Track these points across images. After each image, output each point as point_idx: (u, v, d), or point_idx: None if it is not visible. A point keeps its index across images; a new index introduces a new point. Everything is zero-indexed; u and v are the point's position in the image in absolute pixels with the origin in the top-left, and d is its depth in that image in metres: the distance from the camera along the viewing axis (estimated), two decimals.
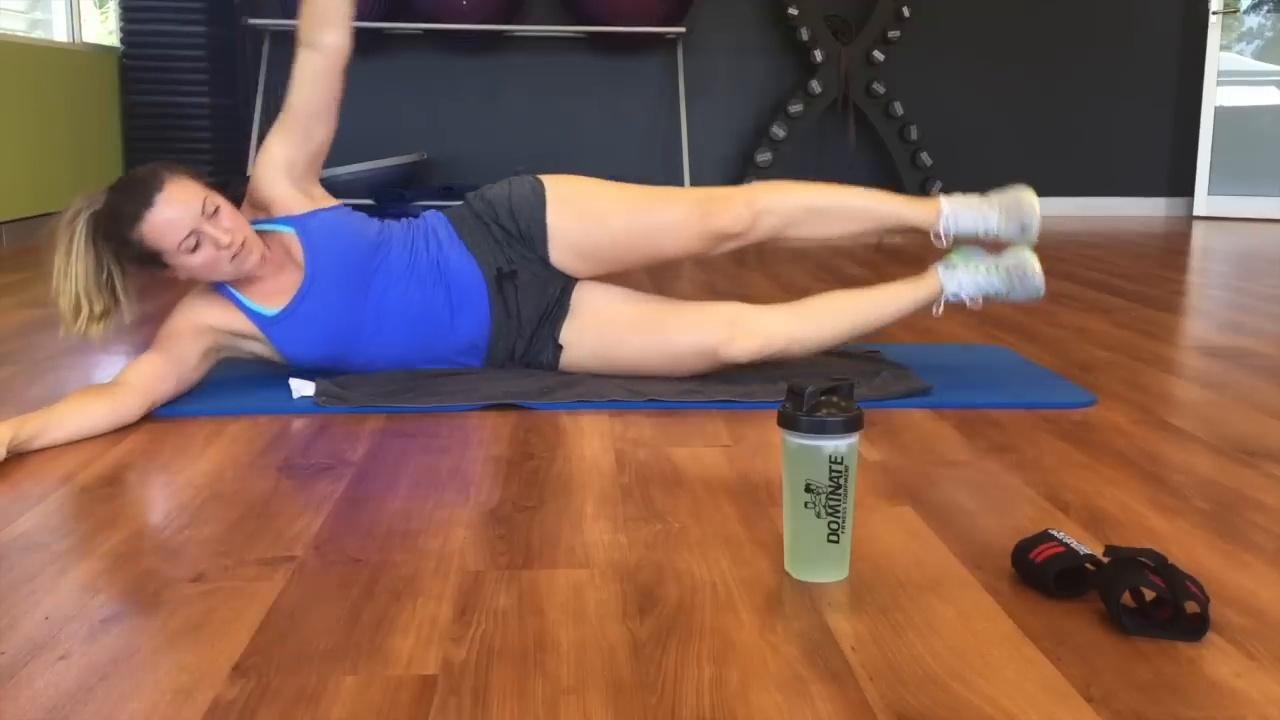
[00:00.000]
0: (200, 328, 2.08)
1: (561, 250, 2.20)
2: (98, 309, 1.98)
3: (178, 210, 1.96)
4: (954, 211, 2.21)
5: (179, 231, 1.96)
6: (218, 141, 5.58)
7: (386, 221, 2.26)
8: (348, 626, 1.19)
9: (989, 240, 2.22)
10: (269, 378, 2.21)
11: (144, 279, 2.08)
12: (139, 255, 2.00)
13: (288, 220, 2.15)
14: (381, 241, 2.18)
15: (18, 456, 1.75)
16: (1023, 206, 2.19)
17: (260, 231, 2.13)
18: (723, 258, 4.45)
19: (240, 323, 2.11)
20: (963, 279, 2.21)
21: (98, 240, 1.97)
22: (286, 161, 2.16)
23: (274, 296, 2.11)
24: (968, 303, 2.23)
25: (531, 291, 2.20)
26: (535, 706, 1.03)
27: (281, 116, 2.18)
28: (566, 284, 2.24)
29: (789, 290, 3.54)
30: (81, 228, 1.97)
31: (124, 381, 1.95)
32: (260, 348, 2.15)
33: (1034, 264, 2.19)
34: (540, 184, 2.23)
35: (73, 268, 1.96)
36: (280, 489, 1.63)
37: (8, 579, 1.31)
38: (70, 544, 1.42)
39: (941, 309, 2.24)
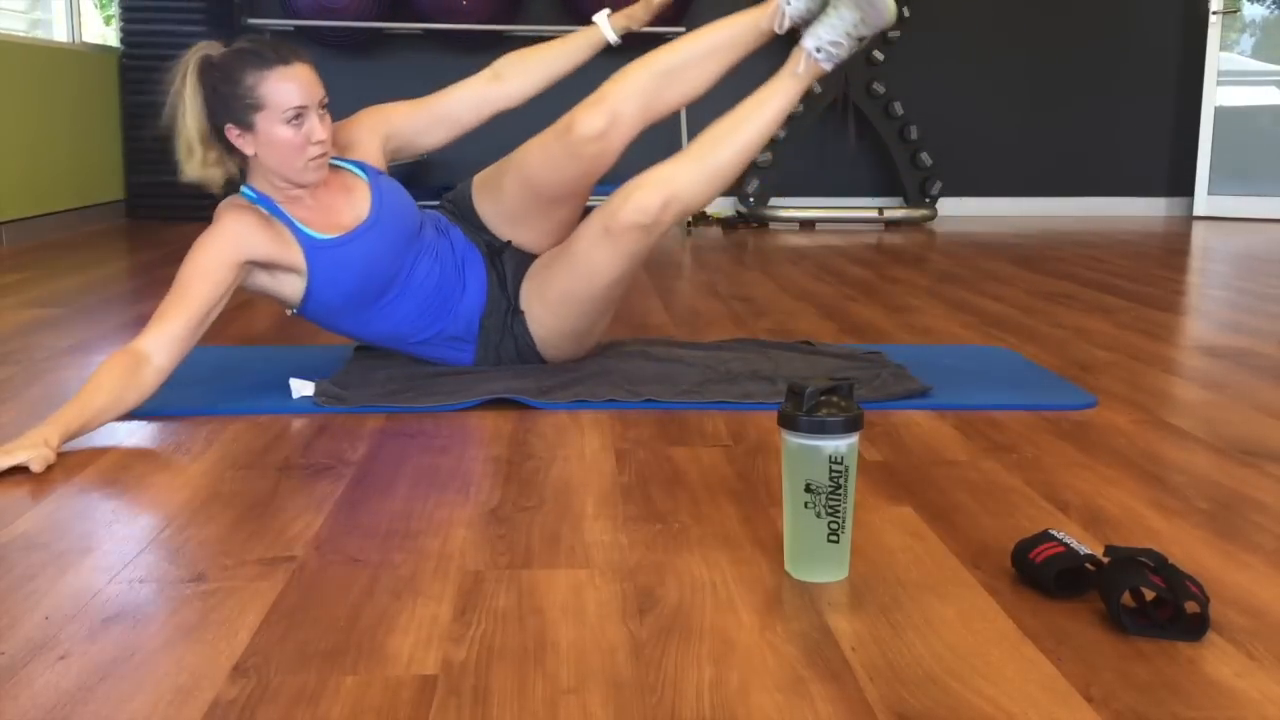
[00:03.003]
0: (236, 264, 1.99)
1: (495, 225, 2.26)
2: (211, 155, 2.02)
3: (306, 82, 2.00)
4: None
5: (295, 97, 1.98)
6: None
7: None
8: (348, 626, 1.19)
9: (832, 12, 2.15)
10: (269, 378, 2.21)
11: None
12: (237, 101, 1.98)
13: (363, 165, 2.18)
14: (423, 220, 2.23)
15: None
16: None
17: (331, 166, 2.13)
18: (721, 259, 4.45)
19: (283, 249, 2.03)
20: (819, 32, 2.14)
21: (205, 82, 2.00)
22: (390, 130, 2.24)
23: (327, 226, 2.08)
24: (834, 51, 2.14)
25: (514, 263, 2.25)
26: (535, 706, 1.03)
27: (420, 100, 2.27)
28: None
29: (789, 290, 3.54)
30: (193, 69, 2.01)
31: (149, 359, 1.88)
32: (287, 281, 2.07)
33: None
34: (470, 180, 2.32)
35: (183, 110, 2.00)
36: (280, 489, 1.63)
37: (8, 579, 1.31)
38: (70, 544, 1.42)
39: (810, 76, 2.17)
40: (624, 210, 2.09)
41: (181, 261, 2.00)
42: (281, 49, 2.02)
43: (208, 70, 2.00)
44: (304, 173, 2.03)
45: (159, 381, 1.91)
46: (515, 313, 2.23)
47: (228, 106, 1.99)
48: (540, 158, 2.18)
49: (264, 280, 2.07)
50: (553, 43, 2.33)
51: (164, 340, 1.90)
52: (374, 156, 2.21)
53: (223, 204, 2.07)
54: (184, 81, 2.01)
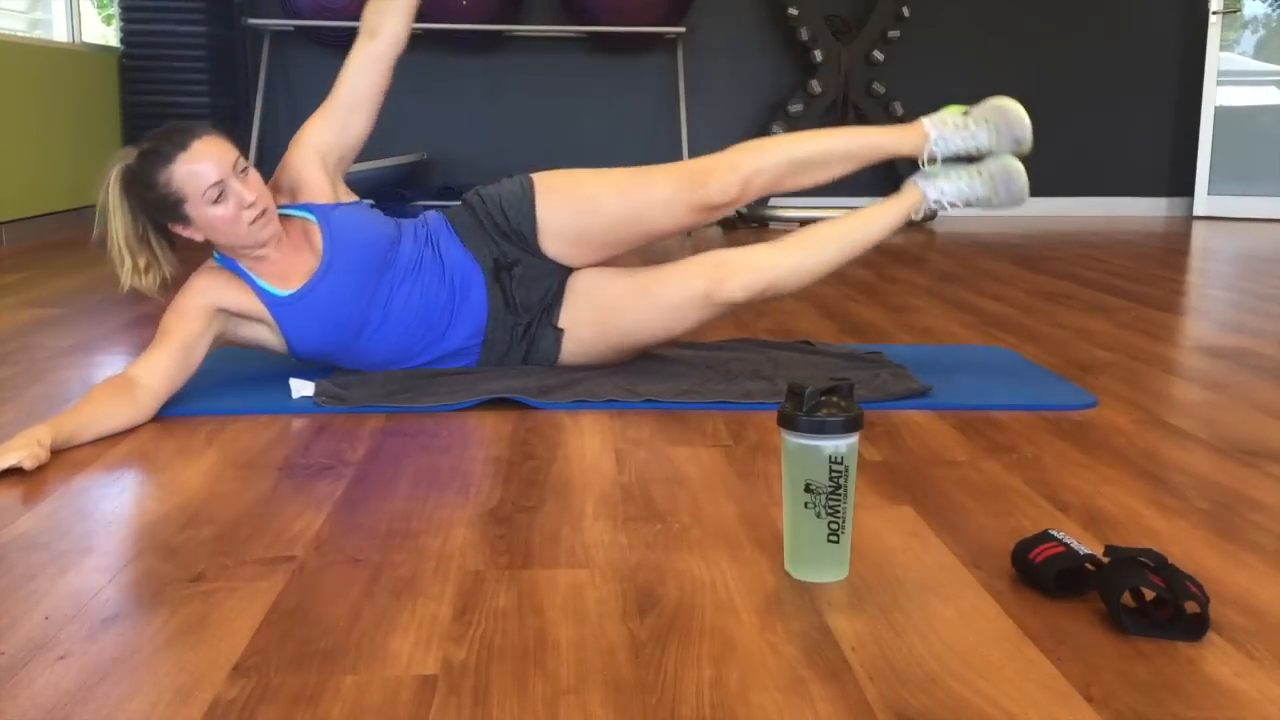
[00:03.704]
0: (207, 310, 2.07)
1: (554, 239, 2.21)
2: (141, 263, 2.03)
3: (211, 158, 2.00)
4: (940, 134, 2.21)
5: (207, 179, 1.99)
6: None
7: (399, 221, 2.28)
8: (348, 626, 1.19)
9: (979, 156, 2.21)
10: (269, 378, 2.21)
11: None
12: (162, 202, 2.01)
13: (310, 207, 2.17)
14: (396, 238, 2.20)
15: None
16: (1011, 120, 2.19)
17: (281, 216, 2.14)
18: None
19: (249, 302, 2.10)
20: (944, 186, 2.21)
21: (129, 192, 2.02)
22: (321, 148, 2.20)
23: (287, 279, 2.11)
24: (948, 208, 2.22)
25: (528, 282, 2.21)
26: (535, 706, 1.03)
27: (324, 104, 2.22)
28: (564, 274, 2.24)
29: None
30: (114, 180, 2.02)
31: (139, 381, 1.95)
32: (263, 332, 2.14)
33: (1018, 168, 2.17)
34: (528, 179, 2.25)
35: (111, 221, 2.02)
36: (280, 489, 1.63)
37: (8, 579, 1.31)
38: (70, 544, 1.42)
39: (922, 214, 2.23)
40: (729, 286, 2.14)
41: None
42: (178, 136, 2.02)
43: (129, 182, 2.02)
44: (251, 236, 2.05)
45: (151, 399, 1.95)
46: (545, 329, 2.22)
47: (159, 210, 2.03)
48: (662, 200, 2.19)
49: (246, 332, 2.14)
50: None
51: (149, 364, 1.99)
52: (321, 186, 2.18)
53: (197, 270, 2.14)
54: (109, 196, 2.03)
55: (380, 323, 2.15)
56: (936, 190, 2.21)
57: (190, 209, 2.01)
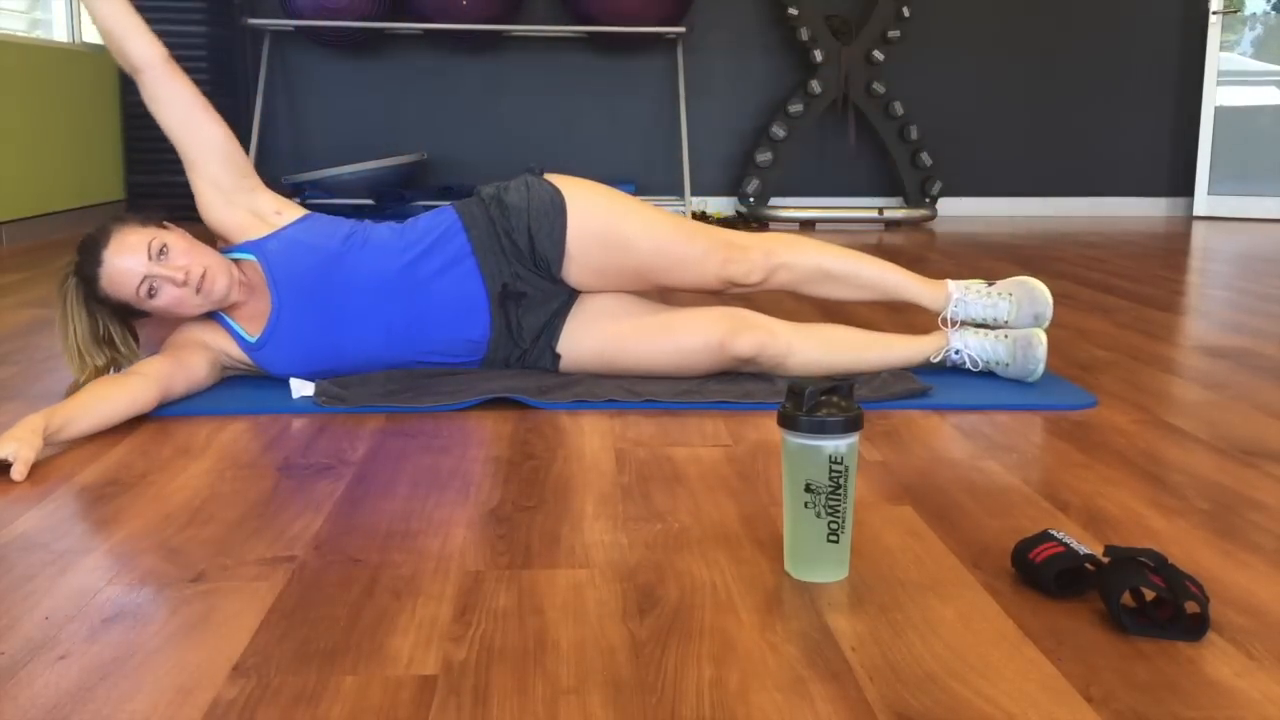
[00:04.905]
0: (202, 344, 2.12)
1: (579, 269, 2.18)
2: (99, 362, 2.02)
3: (124, 263, 1.99)
4: (963, 298, 2.27)
5: (132, 281, 1.99)
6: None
7: (365, 224, 2.22)
8: (348, 626, 1.19)
9: (997, 327, 2.27)
10: (269, 378, 2.21)
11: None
12: (113, 306, 2.04)
13: (247, 247, 2.15)
14: (348, 250, 2.14)
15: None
16: (1035, 297, 2.25)
17: (233, 259, 2.15)
18: None
19: (231, 346, 2.14)
20: (970, 340, 2.25)
21: (89, 300, 2.03)
22: (209, 184, 2.15)
23: (254, 321, 2.14)
24: (967, 364, 2.26)
25: (534, 309, 2.19)
26: (535, 706, 1.03)
27: (177, 131, 2.16)
28: (569, 298, 2.22)
29: (790, 298, 3.53)
30: (72, 289, 2.03)
31: (139, 372, 1.97)
32: (255, 367, 2.18)
33: (1042, 342, 2.19)
34: (559, 195, 2.16)
35: (69, 326, 2.02)
36: (280, 489, 1.63)
37: (8, 579, 1.31)
38: (70, 544, 1.42)
39: (940, 358, 2.27)
40: (744, 339, 2.14)
41: None
42: (91, 247, 2.00)
43: (84, 287, 2.02)
44: (208, 300, 2.06)
45: (148, 386, 1.94)
46: (544, 350, 2.21)
47: (118, 311, 2.05)
48: (693, 260, 2.19)
49: (242, 364, 2.17)
50: None
51: (147, 361, 2.02)
52: (244, 225, 2.15)
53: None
54: (66, 303, 2.03)
55: (356, 343, 2.14)
56: (961, 342, 2.25)
57: (138, 307, 2.04)
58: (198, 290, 2.02)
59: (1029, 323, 2.25)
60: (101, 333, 2.04)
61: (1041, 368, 2.19)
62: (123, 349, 2.06)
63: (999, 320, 2.26)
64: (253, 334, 2.13)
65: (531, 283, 2.18)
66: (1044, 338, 2.20)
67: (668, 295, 2.55)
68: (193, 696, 1.04)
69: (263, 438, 1.89)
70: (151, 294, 2.00)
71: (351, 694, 1.05)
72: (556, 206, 2.15)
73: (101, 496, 1.60)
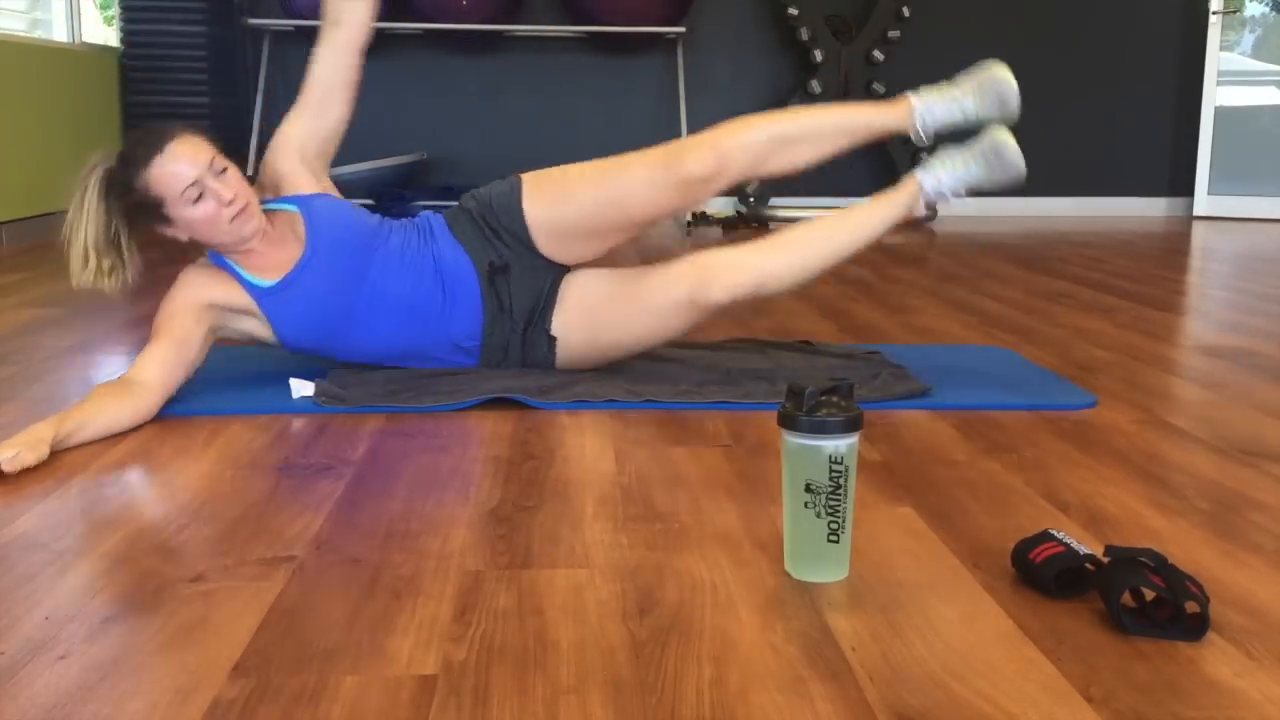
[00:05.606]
0: (199, 307, 2.08)
1: (544, 236, 2.20)
2: (105, 264, 2.01)
3: (187, 158, 2.00)
4: (926, 106, 2.18)
5: (184, 179, 1.99)
6: (218, 142, 5.58)
7: (385, 219, 2.27)
8: (348, 626, 1.19)
9: (969, 126, 2.19)
10: (269, 378, 2.21)
11: (151, 256, 2.10)
12: (142, 204, 2.02)
13: (293, 199, 2.18)
14: (381, 231, 2.21)
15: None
16: (998, 82, 2.15)
17: (266, 211, 2.15)
18: None
19: (236, 295, 2.11)
20: (941, 174, 2.19)
21: (109, 195, 2.01)
22: (299, 140, 2.22)
23: (272, 270, 2.12)
24: (949, 196, 2.20)
25: (523, 284, 2.20)
26: (535, 706, 1.03)
27: (299, 97, 2.24)
28: (557, 275, 2.23)
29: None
30: (94, 183, 2.02)
31: (139, 380, 1.96)
32: (254, 324, 2.14)
33: (1009, 141, 2.14)
34: (516, 179, 2.25)
35: (83, 221, 2.00)
36: (280, 489, 1.63)
37: (8, 579, 1.31)
38: (70, 544, 1.42)
39: (923, 207, 2.22)
40: (715, 289, 2.12)
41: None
42: (152, 137, 2.03)
43: (110, 186, 2.02)
44: (233, 233, 2.06)
45: (151, 396, 1.95)
46: (539, 334, 2.21)
47: (140, 212, 2.03)
48: (641, 180, 2.17)
49: (238, 325, 2.15)
50: None
51: (145, 363, 2.00)
52: (303, 179, 2.21)
53: (185, 268, 2.15)
54: (85, 196, 2.02)
55: (370, 312, 2.15)
56: (934, 179, 2.19)
57: (170, 210, 2.02)
58: (233, 218, 2.03)
59: (996, 111, 2.15)
60: (113, 234, 2.02)
61: (1022, 162, 2.13)
62: (126, 257, 2.04)
63: (968, 117, 2.17)
64: (270, 279, 2.11)
65: (514, 257, 2.20)
66: (1009, 136, 2.14)
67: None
68: (193, 696, 1.04)
69: (263, 438, 1.89)
70: (195, 200, 2.00)
71: (351, 694, 1.05)
72: (512, 185, 2.24)
73: (101, 497, 1.60)
